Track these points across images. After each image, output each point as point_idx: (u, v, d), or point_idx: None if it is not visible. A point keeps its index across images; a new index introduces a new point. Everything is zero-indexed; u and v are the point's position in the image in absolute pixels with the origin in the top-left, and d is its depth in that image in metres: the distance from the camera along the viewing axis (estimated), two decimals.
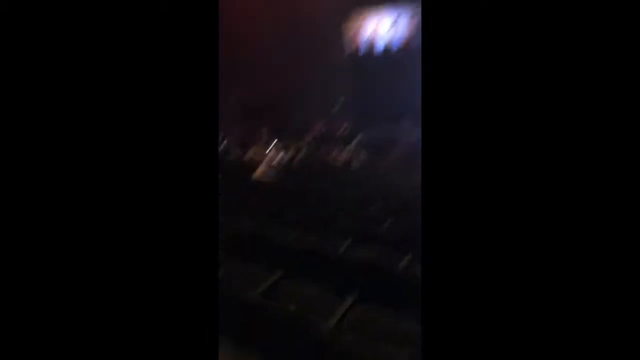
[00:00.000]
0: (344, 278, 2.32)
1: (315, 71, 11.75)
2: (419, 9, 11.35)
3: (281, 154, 6.65)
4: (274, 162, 4.89)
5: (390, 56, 11.97)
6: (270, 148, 6.16)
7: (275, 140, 7.00)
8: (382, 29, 11.97)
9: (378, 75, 11.96)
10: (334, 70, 11.93)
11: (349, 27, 12.07)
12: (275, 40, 11.10)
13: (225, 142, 7.57)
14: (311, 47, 11.50)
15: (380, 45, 12.09)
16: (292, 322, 1.79)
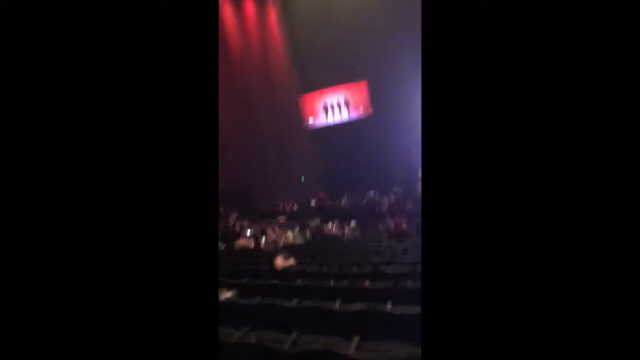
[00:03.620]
0: None
1: (276, 149, 12.02)
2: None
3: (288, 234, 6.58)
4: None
5: (345, 128, 12.69)
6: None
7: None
8: (333, 106, 12.85)
9: (336, 147, 12.55)
10: (294, 145, 12.35)
11: (302, 104, 12.81)
12: (233, 126, 11.40)
13: None
14: (269, 126, 11.90)
15: (333, 120, 12.86)
16: None
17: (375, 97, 12.40)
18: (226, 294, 3.74)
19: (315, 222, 9.09)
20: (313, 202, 11.52)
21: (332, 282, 3.51)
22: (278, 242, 4.66)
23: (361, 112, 12.81)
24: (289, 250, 5.13)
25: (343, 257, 4.69)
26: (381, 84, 11.84)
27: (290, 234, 6.97)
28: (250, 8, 11.85)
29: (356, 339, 2.05)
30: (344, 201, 11.75)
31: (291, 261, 4.38)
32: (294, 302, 2.97)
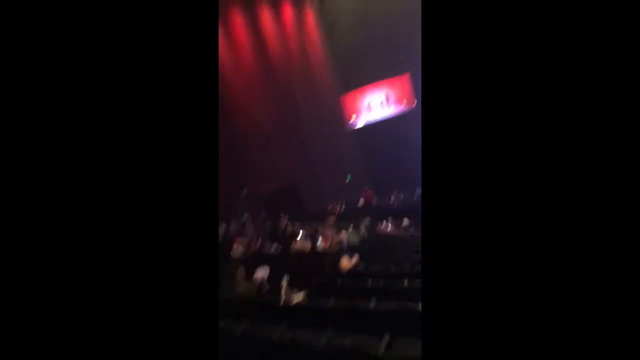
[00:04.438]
0: None
1: (321, 150, 12.02)
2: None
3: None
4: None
5: (389, 123, 12.51)
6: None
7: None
8: (375, 103, 12.72)
9: (379, 145, 12.39)
10: (338, 146, 12.31)
11: (345, 103, 12.75)
12: (278, 130, 11.50)
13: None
14: (312, 127, 11.92)
15: (376, 116, 12.71)
16: None
17: (419, 89, 12.14)
18: (298, 297, 3.74)
19: (366, 221, 8.98)
20: (361, 202, 11.40)
21: (405, 282, 3.41)
22: (342, 242, 4.59)
23: (404, 105, 12.57)
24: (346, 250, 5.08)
25: (409, 256, 4.58)
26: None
27: (344, 234, 6.90)
28: (288, 11, 11.93)
29: None
30: (392, 199, 11.54)
31: (355, 259, 4.31)
32: (373, 304, 2.89)
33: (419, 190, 11.42)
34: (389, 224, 7.65)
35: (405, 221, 7.50)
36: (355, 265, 4.31)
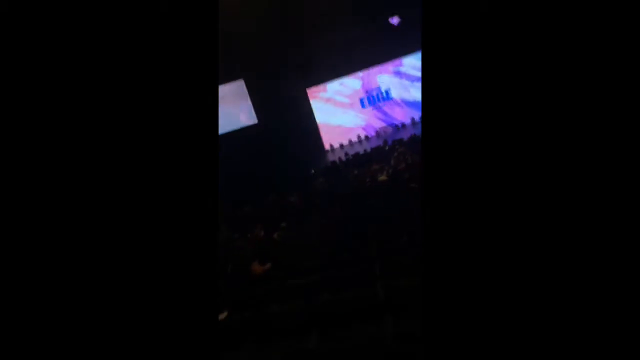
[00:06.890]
0: None
1: None
2: None
3: None
4: None
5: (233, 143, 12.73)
6: None
7: None
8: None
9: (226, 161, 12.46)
10: None
11: None
12: None
13: None
14: None
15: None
16: None
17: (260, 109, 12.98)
18: (222, 316, 3.38)
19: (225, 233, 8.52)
20: None
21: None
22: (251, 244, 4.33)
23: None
24: None
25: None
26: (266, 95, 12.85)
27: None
28: None
29: None
30: (247, 208, 11.73)
31: (268, 265, 4.11)
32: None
33: (272, 197, 11.95)
34: (261, 231, 7.50)
35: (283, 224, 7.14)
36: (267, 271, 4.09)
